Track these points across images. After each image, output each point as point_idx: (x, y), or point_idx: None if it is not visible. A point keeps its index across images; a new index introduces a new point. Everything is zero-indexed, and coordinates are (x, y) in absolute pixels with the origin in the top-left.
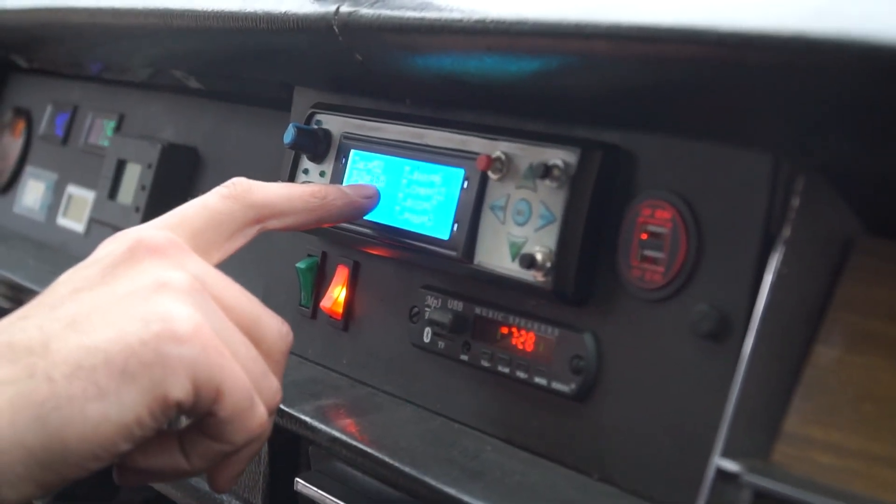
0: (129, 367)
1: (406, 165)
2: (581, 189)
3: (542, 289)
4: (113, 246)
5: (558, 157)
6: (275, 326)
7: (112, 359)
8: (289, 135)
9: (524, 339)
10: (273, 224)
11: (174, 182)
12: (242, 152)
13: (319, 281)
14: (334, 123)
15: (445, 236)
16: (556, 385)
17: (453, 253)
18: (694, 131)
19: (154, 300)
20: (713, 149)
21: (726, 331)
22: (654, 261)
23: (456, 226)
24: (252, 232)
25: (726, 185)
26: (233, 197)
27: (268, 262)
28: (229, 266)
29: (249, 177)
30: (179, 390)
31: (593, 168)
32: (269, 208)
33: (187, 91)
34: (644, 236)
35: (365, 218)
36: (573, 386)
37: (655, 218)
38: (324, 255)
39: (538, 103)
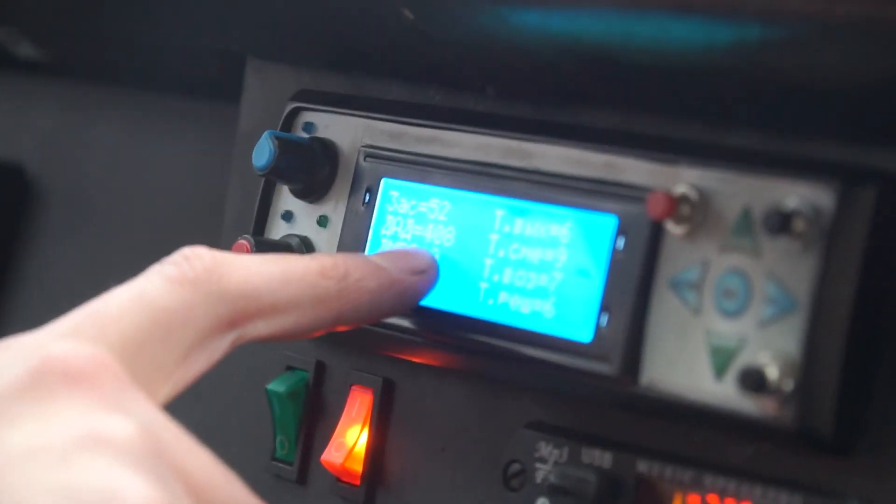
0: None
1: (499, 208)
2: (845, 252)
3: (774, 428)
4: None
5: (799, 195)
6: None
7: None
8: (265, 151)
9: None
10: (259, 330)
11: None
12: (125, 179)
13: (313, 416)
14: (341, 129)
15: (585, 337)
16: None
17: (603, 367)
18: None
19: (85, 466)
20: None
21: None
22: None
23: (606, 318)
24: (223, 345)
25: None
26: (190, 283)
27: (207, 379)
28: None
29: (147, 231)
30: None
31: (865, 215)
32: (253, 301)
33: (11, 64)
34: None
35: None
36: None
37: None
38: (319, 367)
39: (750, 99)
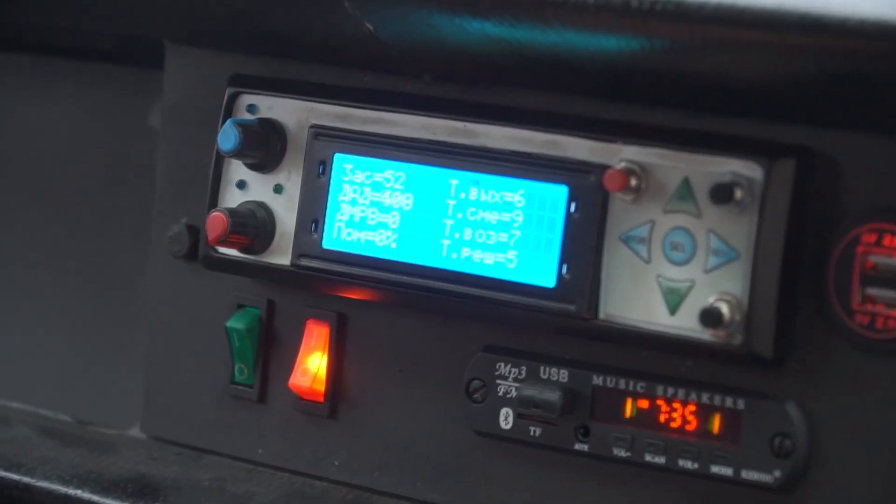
0: None
1: (453, 178)
2: (775, 212)
3: (725, 351)
4: None
5: (733, 168)
6: None
7: None
8: (230, 137)
9: (684, 414)
10: None
11: None
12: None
13: (269, 346)
14: (284, 110)
15: (549, 283)
16: (749, 475)
17: (569, 306)
18: None
19: None
20: None
21: None
22: (888, 302)
23: (566, 267)
24: None
25: None
26: None
27: (163, 315)
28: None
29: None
30: None
31: (787, 183)
32: None
33: None
34: (870, 270)
35: (378, 256)
36: (778, 474)
37: (885, 247)
38: (270, 305)
39: (678, 86)
